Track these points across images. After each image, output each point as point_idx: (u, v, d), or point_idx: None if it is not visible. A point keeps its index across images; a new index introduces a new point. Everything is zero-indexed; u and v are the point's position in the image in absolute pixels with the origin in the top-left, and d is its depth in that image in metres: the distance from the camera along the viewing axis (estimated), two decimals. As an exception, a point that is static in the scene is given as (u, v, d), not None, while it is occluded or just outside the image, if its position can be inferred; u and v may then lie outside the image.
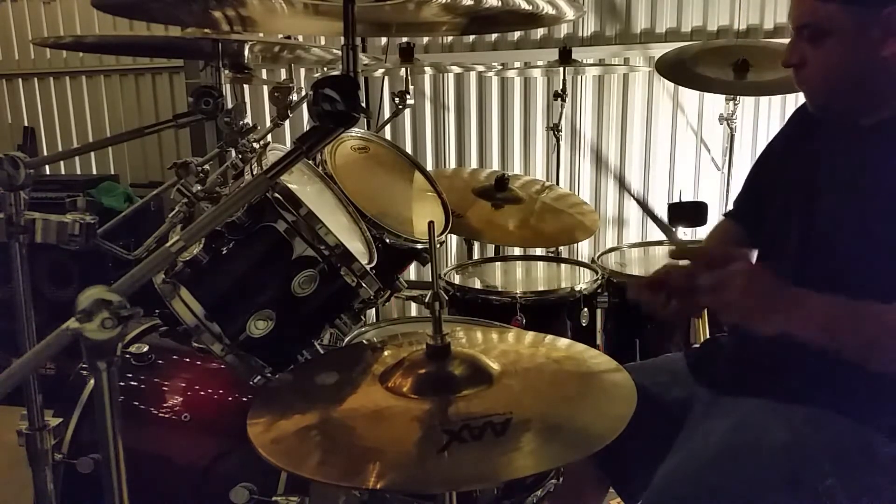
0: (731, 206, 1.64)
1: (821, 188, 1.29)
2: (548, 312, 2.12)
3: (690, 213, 2.70)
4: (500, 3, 1.40)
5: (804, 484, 1.15)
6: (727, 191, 3.03)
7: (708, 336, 2.04)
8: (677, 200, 3.27)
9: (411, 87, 2.49)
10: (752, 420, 1.25)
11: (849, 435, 1.19)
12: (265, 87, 3.61)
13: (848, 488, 1.14)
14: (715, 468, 1.19)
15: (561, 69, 2.82)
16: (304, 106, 1.22)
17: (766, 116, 3.23)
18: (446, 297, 1.29)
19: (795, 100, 3.16)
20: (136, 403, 1.48)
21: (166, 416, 1.47)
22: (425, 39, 3.50)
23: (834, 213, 1.26)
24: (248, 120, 1.55)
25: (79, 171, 4.10)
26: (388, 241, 1.45)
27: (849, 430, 1.19)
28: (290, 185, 1.22)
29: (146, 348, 1.52)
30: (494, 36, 3.43)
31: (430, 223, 1.12)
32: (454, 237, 3.40)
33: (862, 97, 1.26)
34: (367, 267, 1.26)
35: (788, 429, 1.20)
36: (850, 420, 1.19)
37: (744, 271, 1.17)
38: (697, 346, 1.90)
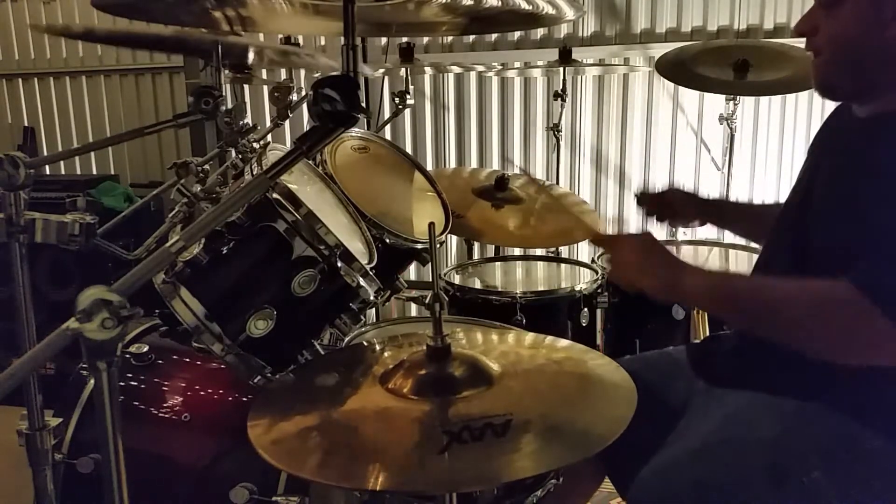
0: None
1: (815, 187, 1.29)
2: (548, 312, 2.12)
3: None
4: (500, 3, 1.41)
5: (790, 476, 1.16)
6: (727, 191, 3.03)
7: (708, 333, 2.04)
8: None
9: (411, 87, 2.49)
10: (741, 413, 1.25)
11: (837, 429, 1.19)
12: (265, 87, 3.61)
13: (834, 482, 1.15)
14: (701, 461, 1.20)
15: (561, 69, 2.82)
16: (304, 106, 1.21)
17: (766, 116, 3.23)
18: (446, 298, 1.29)
19: (795, 100, 3.17)
20: (136, 403, 1.48)
21: (166, 416, 1.47)
22: (425, 39, 3.50)
23: (825, 212, 1.25)
24: (248, 120, 1.55)
25: (79, 171, 4.10)
26: (388, 241, 1.45)
27: (838, 423, 1.19)
28: (290, 185, 1.21)
29: (146, 348, 1.52)
30: (494, 36, 3.43)
31: (431, 224, 1.12)
32: (454, 237, 3.40)
33: (862, 76, 1.25)
34: (367, 267, 1.26)
35: (777, 422, 1.21)
36: (839, 414, 1.20)
37: (635, 236, 1.30)
38: (699, 341, 1.90)
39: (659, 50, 2.94)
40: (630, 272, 1.28)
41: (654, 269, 1.26)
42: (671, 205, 1.66)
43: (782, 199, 1.44)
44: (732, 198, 3.01)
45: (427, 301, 1.07)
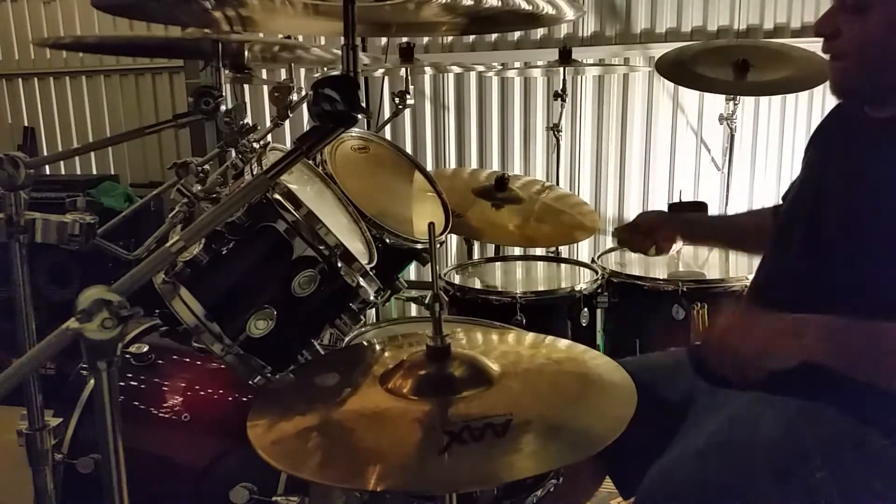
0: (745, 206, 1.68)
1: (825, 186, 1.29)
2: (548, 312, 2.12)
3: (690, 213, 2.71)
4: (500, 3, 1.40)
5: (794, 477, 1.16)
6: (727, 191, 3.03)
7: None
8: (677, 200, 3.27)
9: (411, 87, 2.49)
10: (746, 414, 1.25)
11: (842, 429, 1.19)
12: (265, 87, 3.61)
13: (838, 482, 1.15)
14: (707, 462, 1.20)
15: (561, 69, 2.82)
16: (304, 106, 1.21)
17: (766, 116, 3.23)
18: (446, 298, 1.29)
19: (795, 100, 3.17)
20: (136, 403, 1.48)
21: (166, 416, 1.47)
22: (425, 39, 3.50)
23: (835, 212, 1.26)
24: (248, 120, 1.55)
25: (79, 171, 4.10)
26: (388, 241, 1.45)
27: (842, 424, 1.19)
28: (290, 185, 1.21)
29: (146, 348, 1.52)
30: (494, 36, 3.43)
31: (430, 224, 1.12)
32: (454, 237, 3.40)
33: (885, 81, 1.23)
34: (367, 267, 1.26)
35: (782, 422, 1.21)
36: (843, 414, 1.20)
37: (736, 321, 1.22)
38: (700, 342, 1.90)
39: (659, 50, 2.94)
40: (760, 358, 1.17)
41: (777, 345, 1.16)
42: (647, 231, 1.68)
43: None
44: (732, 198, 3.02)
45: (427, 301, 1.07)
